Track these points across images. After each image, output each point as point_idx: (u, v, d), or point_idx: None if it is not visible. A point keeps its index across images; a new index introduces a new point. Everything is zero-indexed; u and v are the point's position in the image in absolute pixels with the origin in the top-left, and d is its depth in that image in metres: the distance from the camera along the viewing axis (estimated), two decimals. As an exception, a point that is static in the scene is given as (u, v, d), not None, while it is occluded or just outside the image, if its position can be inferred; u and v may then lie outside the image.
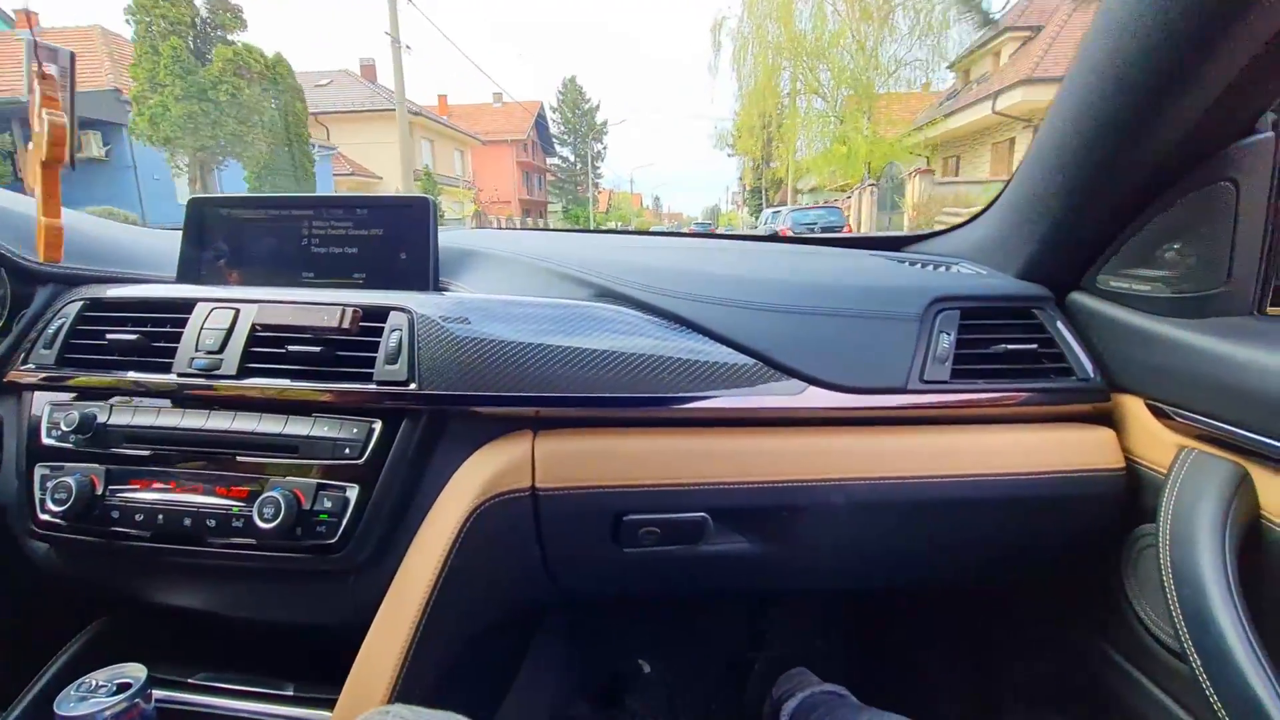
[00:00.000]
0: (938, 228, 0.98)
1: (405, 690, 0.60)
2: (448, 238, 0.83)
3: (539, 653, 1.10)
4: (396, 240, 0.77)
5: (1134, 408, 0.68)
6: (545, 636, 1.13)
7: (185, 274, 0.79)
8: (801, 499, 0.66)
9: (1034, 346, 0.70)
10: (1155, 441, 0.65)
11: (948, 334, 0.69)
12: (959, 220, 0.93)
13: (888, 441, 0.66)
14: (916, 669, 1.10)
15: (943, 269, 0.82)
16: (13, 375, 0.69)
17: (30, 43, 0.55)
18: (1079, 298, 0.73)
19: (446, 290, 0.77)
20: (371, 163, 18.39)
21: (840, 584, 0.82)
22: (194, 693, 0.70)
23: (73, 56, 0.57)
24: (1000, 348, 0.69)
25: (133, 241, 0.84)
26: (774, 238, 1.17)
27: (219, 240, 0.80)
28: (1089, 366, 0.70)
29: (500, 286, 0.76)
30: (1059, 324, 0.72)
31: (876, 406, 0.66)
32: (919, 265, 0.83)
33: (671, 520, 0.66)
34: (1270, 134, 0.56)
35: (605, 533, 0.67)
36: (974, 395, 0.68)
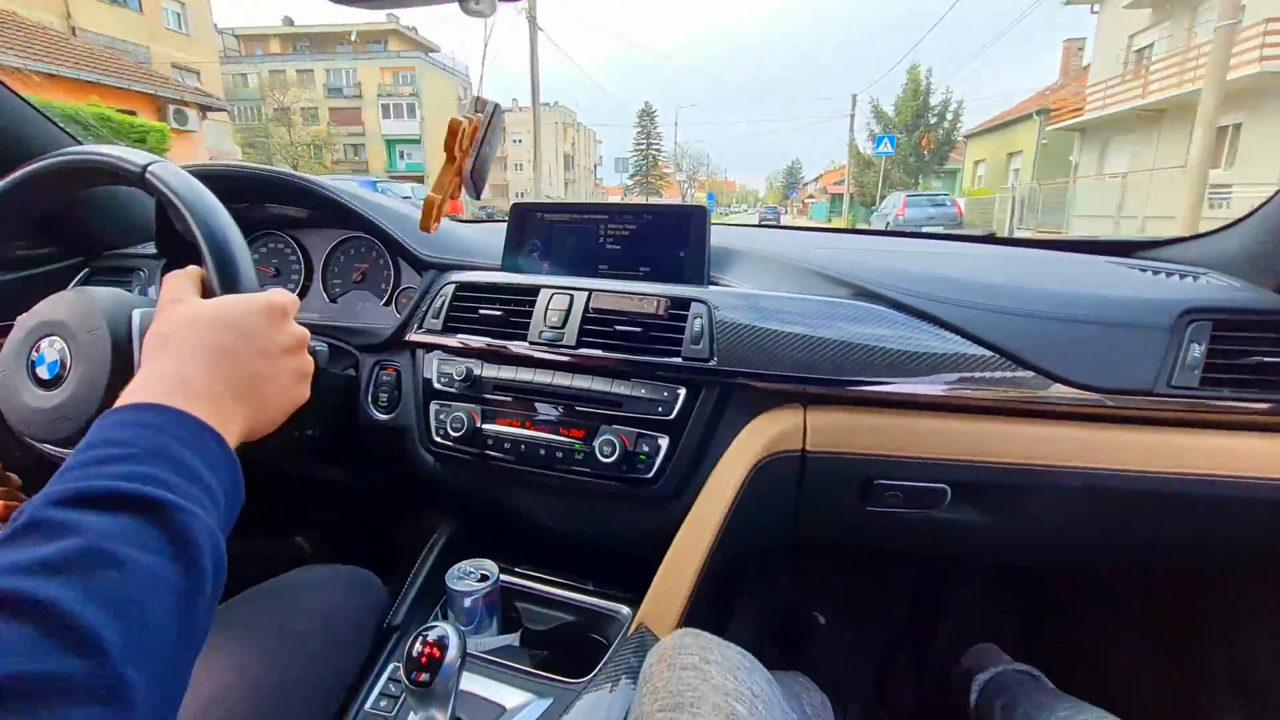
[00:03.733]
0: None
1: (693, 599, 0.79)
2: (714, 237, 0.99)
3: (745, 595, 1.28)
4: (677, 240, 0.95)
5: None
6: (749, 582, 1.30)
7: (508, 264, 1.02)
8: (1035, 481, 0.76)
9: None
10: None
11: (1198, 344, 0.74)
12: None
13: (1130, 437, 0.74)
14: (1114, 659, 1.14)
15: (1189, 279, 0.85)
16: (410, 337, 0.96)
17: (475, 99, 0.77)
18: None
19: (716, 283, 0.94)
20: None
21: (1058, 561, 0.90)
22: (525, 579, 0.94)
23: (498, 107, 0.78)
24: (1254, 359, 0.73)
25: (469, 236, 1.09)
26: (989, 239, 1.21)
27: (533, 237, 1.02)
28: None
29: (765, 282, 0.91)
30: None
31: (1122, 406, 0.74)
32: (1163, 274, 0.87)
33: (915, 487, 0.79)
34: None
35: (855, 492, 0.81)
36: (1223, 402, 0.73)
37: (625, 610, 0.88)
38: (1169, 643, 1.05)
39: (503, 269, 1.01)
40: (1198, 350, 0.74)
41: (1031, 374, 0.76)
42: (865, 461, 0.79)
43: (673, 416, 0.81)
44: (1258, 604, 0.90)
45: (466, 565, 0.86)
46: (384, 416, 0.98)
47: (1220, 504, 0.74)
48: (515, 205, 1.03)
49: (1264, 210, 0.84)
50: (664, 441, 0.81)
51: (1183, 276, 0.86)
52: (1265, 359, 0.73)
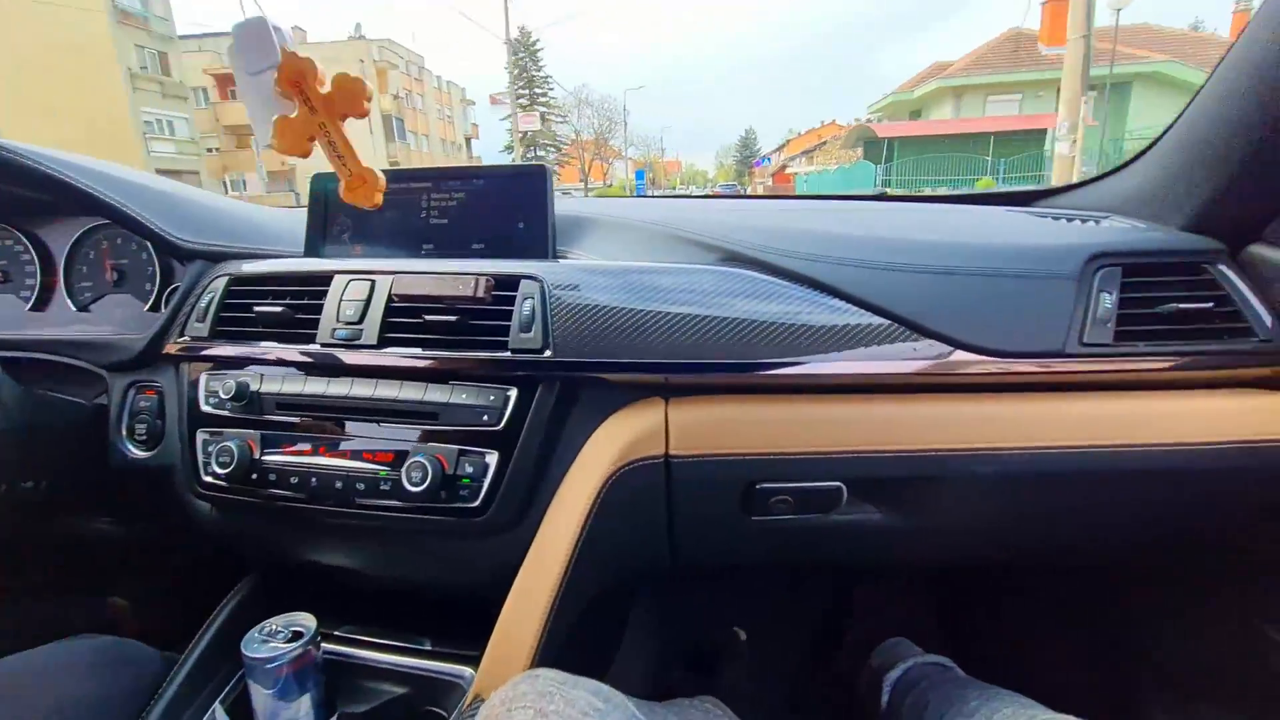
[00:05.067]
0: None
1: (544, 648, 0.62)
2: (561, 206, 0.82)
3: (635, 621, 1.12)
4: (514, 210, 0.78)
5: None
6: (639, 605, 1.15)
7: (311, 249, 0.82)
8: (946, 469, 0.63)
9: (1208, 305, 0.63)
10: None
11: (1109, 293, 0.63)
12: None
13: (1045, 408, 0.62)
14: (1031, 646, 1.06)
15: (1091, 223, 0.76)
16: (171, 347, 0.74)
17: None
18: (1260, 250, 0.66)
19: (565, 258, 0.77)
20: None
21: (973, 557, 0.79)
22: (342, 644, 0.74)
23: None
24: (1169, 307, 0.63)
25: (263, 218, 0.87)
26: (884, 197, 1.10)
27: (341, 215, 0.82)
28: (1270, 324, 0.64)
29: (620, 253, 0.75)
30: (1235, 279, 0.65)
31: (1032, 372, 0.62)
32: (1063, 220, 0.77)
33: (805, 489, 0.65)
34: None
35: (735, 500, 0.66)
36: (1140, 360, 0.62)
37: (469, 672, 0.70)
38: (1089, 630, 0.96)
39: (305, 257, 0.81)
40: (1109, 300, 0.63)
41: (931, 342, 0.63)
42: (744, 463, 0.64)
43: (501, 426, 0.63)
44: (1184, 590, 0.82)
45: (276, 622, 0.67)
46: (143, 454, 0.75)
47: (1154, 478, 0.64)
48: (316, 176, 0.83)
49: (1160, 145, 0.75)
50: (492, 458, 0.63)
51: (1084, 221, 0.77)
52: (1183, 305, 0.63)
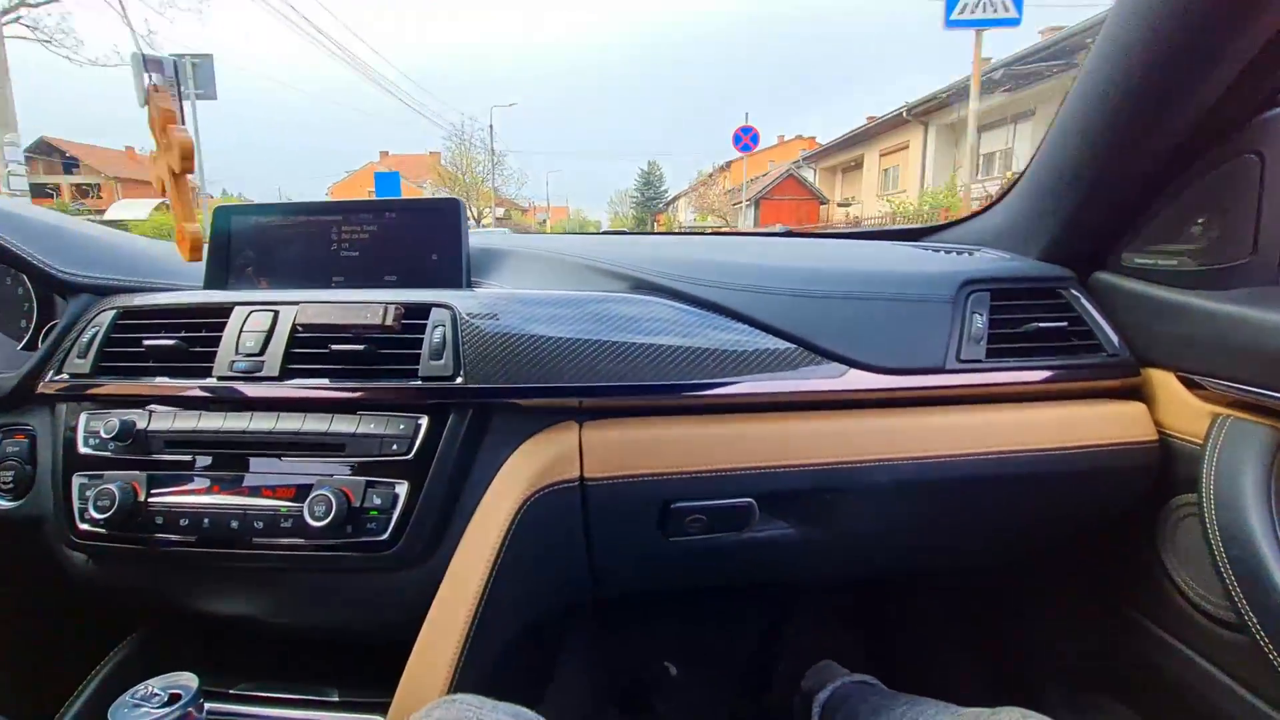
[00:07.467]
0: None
1: (460, 684, 0.60)
2: (475, 239, 0.83)
3: (567, 658, 1.09)
4: (427, 242, 0.78)
5: (1164, 381, 0.69)
6: (572, 642, 1.12)
7: (213, 283, 0.79)
8: (845, 480, 0.67)
9: (1063, 325, 0.71)
10: (1188, 412, 0.67)
11: (980, 315, 0.70)
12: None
13: (929, 420, 0.67)
14: (946, 654, 1.10)
15: (965, 255, 0.84)
16: (45, 387, 0.69)
17: (137, 56, 0.55)
18: (1103, 276, 0.75)
19: (479, 289, 0.77)
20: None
21: (880, 568, 0.83)
22: (239, 703, 0.69)
23: (177, 65, 0.57)
24: (1031, 326, 0.71)
25: (160, 253, 0.83)
26: (790, 234, 1.18)
27: (246, 249, 0.80)
28: (1117, 341, 0.72)
29: (534, 283, 0.77)
30: (1085, 302, 0.74)
31: (917, 387, 0.67)
32: (941, 253, 0.85)
33: (719, 506, 0.67)
34: None
35: (652, 521, 0.67)
36: (1009, 373, 0.69)
37: None
38: (994, 631, 1.02)
39: (206, 290, 0.77)
40: (980, 321, 0.70)
41: (828, 362, 0.67)
42: (658, 482, 0.65)
43: (412, 455, 0.62)
44: (1069, 587, 0.89)
45: (154, 684, 0.60)
46: (8, 504, 0.69)
47: (1023, 481, 0.70)
48: (219, 209, 0.81)
49: (1019, 185, 0.85)
50: (402, 489, 0.62)
51: (960, 253, 0.85)
52: (1041, 324, 0.70)
